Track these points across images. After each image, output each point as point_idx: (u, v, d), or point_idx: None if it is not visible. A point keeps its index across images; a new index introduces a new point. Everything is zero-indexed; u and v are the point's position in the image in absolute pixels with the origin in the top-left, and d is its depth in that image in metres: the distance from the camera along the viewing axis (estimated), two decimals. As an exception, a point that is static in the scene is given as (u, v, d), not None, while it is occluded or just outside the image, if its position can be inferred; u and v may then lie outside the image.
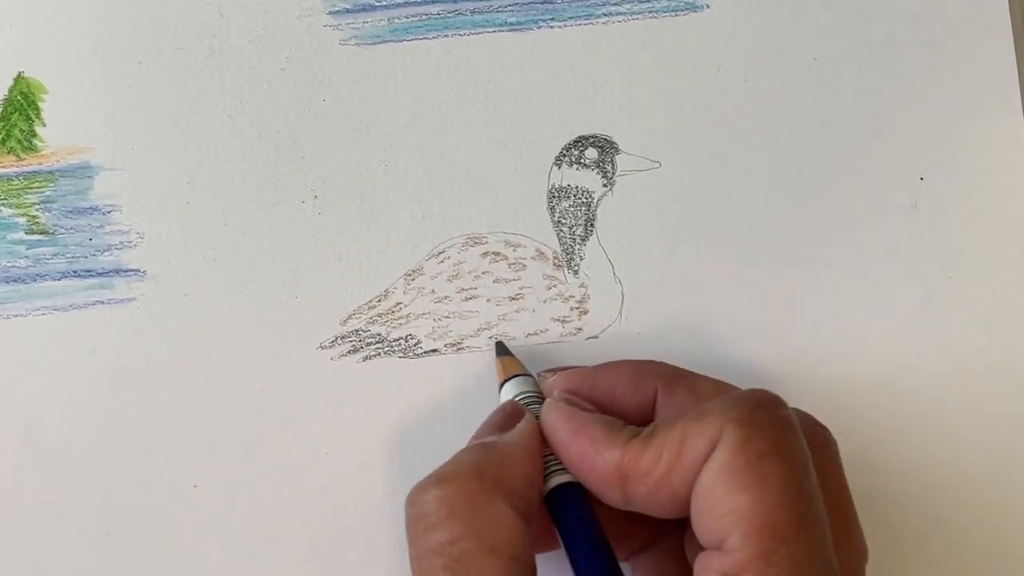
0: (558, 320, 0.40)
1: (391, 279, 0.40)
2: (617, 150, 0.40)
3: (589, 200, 0.40)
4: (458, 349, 0.40)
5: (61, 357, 0.39)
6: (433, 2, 0.41)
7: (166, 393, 0.39)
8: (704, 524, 0.30)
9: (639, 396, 0.35)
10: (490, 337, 0.40)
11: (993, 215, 0.41)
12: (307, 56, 0.40)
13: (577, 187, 0.40)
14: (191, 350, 0.39)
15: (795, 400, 0.39)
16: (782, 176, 0.41)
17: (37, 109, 0.40)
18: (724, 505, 0.29)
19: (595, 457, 0.32)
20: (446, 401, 0.39)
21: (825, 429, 0.34)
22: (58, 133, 0.40)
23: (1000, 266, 0.40)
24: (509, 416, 0.34)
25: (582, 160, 0.40)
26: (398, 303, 0.40)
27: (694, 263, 0.40)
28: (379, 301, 0.40)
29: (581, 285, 0.40)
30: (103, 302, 0.39)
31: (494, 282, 0.40)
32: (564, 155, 0.40)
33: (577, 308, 0.40)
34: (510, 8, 0.41)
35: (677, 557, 0.34)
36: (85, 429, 0.39)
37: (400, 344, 0.39)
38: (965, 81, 0.41)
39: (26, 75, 0.40)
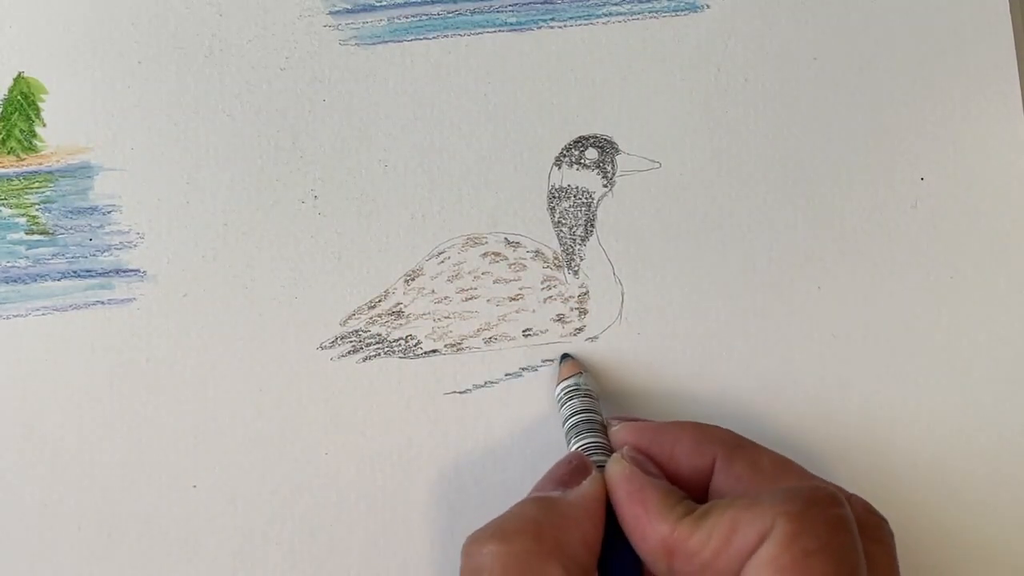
0: (558, 320, 0.40)
1: (391, 279, 0.40)
2: (617, 150, 0.40)
3: (589, 200, 0.40)
4: (458, 349, 0.40)
5: (61, 357, 0.39)
6: (433, 2, 0.41)
7: (166, 393, 0.39)
8: None
9: (698, 460, 0.34)
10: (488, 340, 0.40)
11: (993, 215, 0.40)
12: (307, 56, 0.40)
13: (577, 187, 0.40)
14: (191, 350, 0.39)
15: (794, 397, 0.39)
16: (782, 176, 0.41)
17: (37, 109, 0.40)
18: None
19: (646, 526, 0.31)
20: (446, 402, 0.39)
21: (882, 520, 0.33)
22: (58, 133, 0.40)
23: (1000, 266, 0.40)
24: (575, 471, 0.34)
25: (582, 160, 0.40)
26: (398, 303, 0.40)
27: (694, 263, 0.40)
28: (379, 301, 0.40)
29: (581, 285, 0.40)
30: (103, 302, 0.39)
31: (494, 282, 0.40)
32: (564, 155, 0.40)
33: (577, 308, 0.40)
34: (510, 8, 0.41)
35: None
36: (85, 429, 0.39)
37: (400, 344, 0.39)
38: (965, 81, 0.41)
39: (26, 75, 0.40)
